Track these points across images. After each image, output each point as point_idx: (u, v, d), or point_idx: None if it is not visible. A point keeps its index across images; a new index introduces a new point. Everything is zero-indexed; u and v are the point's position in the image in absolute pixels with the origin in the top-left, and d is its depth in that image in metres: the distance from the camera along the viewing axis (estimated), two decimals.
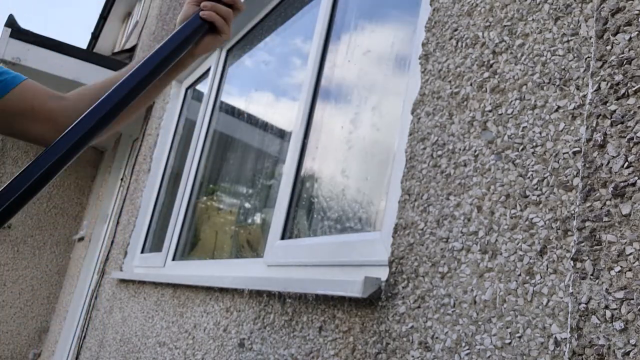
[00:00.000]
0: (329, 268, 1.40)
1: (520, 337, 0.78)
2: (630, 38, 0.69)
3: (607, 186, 0.67)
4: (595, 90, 0.72)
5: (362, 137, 1.57)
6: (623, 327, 0.61)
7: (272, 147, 2.27)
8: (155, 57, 0.88)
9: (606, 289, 0.64)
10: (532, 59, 0.92)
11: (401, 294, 1.04)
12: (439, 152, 1.07)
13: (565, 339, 0.72)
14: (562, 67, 0.86)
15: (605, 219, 0.66)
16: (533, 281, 0.79)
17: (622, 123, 0.67)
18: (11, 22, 3.98)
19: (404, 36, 1.53)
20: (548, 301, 0.76)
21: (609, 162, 0.68)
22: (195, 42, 0.97)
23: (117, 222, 3.97)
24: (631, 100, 0.67)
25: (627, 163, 0.65)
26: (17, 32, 3.96)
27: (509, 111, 0.93)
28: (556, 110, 0.84)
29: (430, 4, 1.25)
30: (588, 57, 0.82)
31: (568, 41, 0.86)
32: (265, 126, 2.44)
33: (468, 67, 1.06)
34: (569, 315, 0.67)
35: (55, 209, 6.39)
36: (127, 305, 2.94)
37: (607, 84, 0.70)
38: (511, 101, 0.93)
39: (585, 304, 0.65)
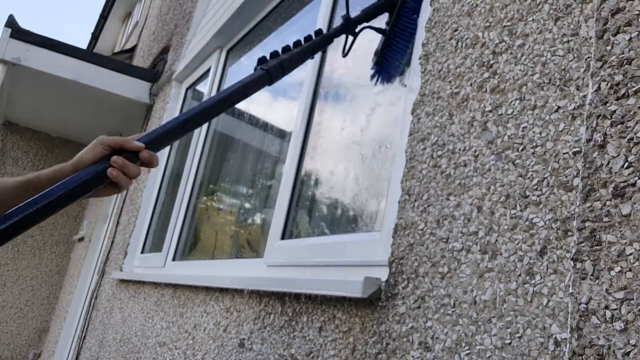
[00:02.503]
0: (329, 268, 1.40)
1: (520, 337, 0.78)
2: (630, 38, 0.69)
3: (607, 186, 0.67)
4: (595, 91, 0.72)
5: (362, 137, 1.57)
6: (623, 327, 0.61)
7: (272, 147, 2.27)
8: (52, 195, 0.89)
9: (606, 289, 0.64)
10: (532, 59, 0.92)
11: (401, 294, 1.04)
12: (439, 153, 1.07)
13: (565, 339, 0.72)
14: (562, 67, 0.86)
15: (605, 219, 0.66)
16: (533, 281, 0.79)
17: (622, 123, 0.67)
18: (11, 22, 3.97)
19: None
20: (548, 301, 0.76)
21: (609, 163, 0.68)
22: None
23: (117, 222, 3.97)
24: (631, 101, 0.67)
25: (627, 163, 0.65)
26: (17, 32, 3.95)
27: (509, 111, 0.93)
28: (556, 111, 0.84)
29: (431, 4, 1.25)
30: (588, 57, 0.82)
31: (568, 41, 0.86)
32: (265, 126, 2.44)
33: (468, 68, 1.06)
34: (569, 315, 0.67)
35: None
36: (127, 305, 2.94)
37: (607, 84, 0.70)
38: (511, 101, 0.93)
39: (585, 304, 0.65)
